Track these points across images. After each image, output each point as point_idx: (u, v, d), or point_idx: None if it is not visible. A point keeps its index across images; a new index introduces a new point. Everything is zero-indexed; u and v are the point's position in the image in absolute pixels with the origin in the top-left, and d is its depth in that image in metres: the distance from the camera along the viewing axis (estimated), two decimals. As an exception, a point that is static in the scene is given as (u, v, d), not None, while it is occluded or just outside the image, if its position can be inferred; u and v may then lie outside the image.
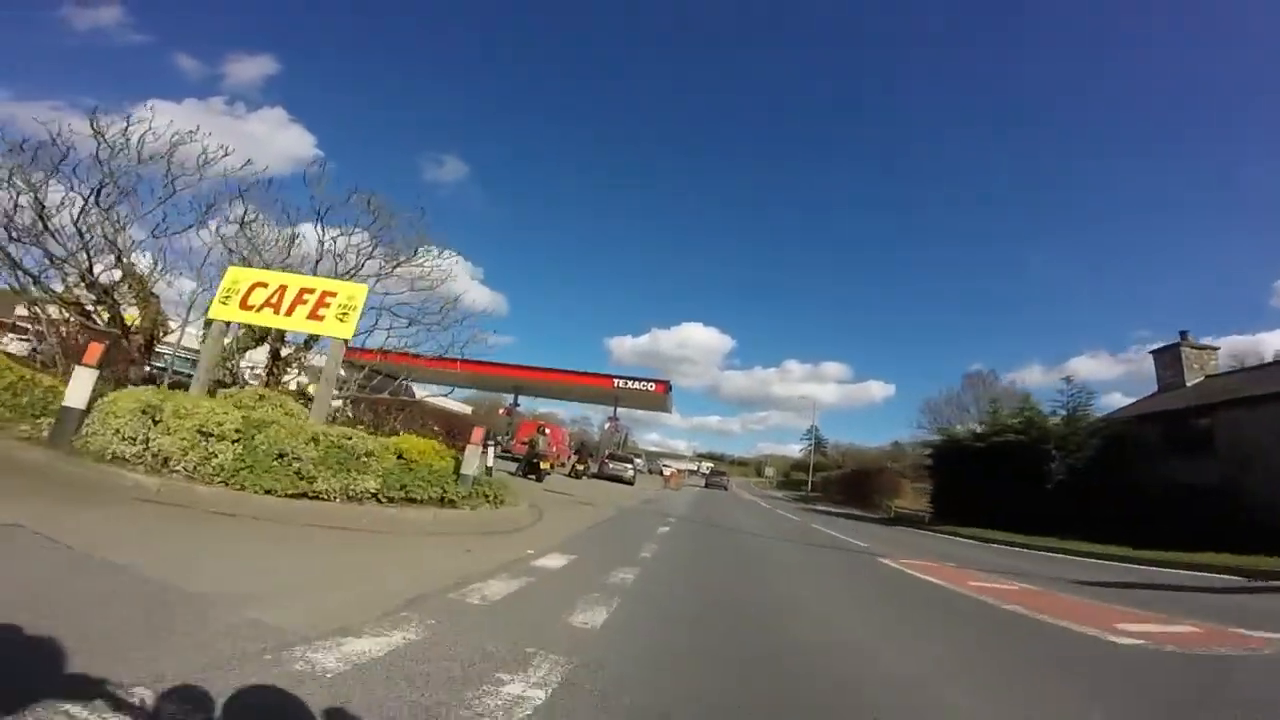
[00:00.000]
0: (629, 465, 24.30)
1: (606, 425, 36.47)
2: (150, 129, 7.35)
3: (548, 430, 17.14)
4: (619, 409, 38.16)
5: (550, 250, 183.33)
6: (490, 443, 10.75)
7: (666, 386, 33.47)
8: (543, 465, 14.43)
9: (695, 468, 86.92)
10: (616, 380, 34.15)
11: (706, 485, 48.43)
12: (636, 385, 33.43)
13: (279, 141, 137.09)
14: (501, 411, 41.62)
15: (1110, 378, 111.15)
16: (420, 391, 45.05)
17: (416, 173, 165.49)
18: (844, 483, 43.55)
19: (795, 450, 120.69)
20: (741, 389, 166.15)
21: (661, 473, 59.44)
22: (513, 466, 15.97)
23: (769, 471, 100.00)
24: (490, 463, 10.15)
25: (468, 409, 61.13)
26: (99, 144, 7.24)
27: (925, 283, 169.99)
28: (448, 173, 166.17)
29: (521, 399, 40.67)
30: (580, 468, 20.57)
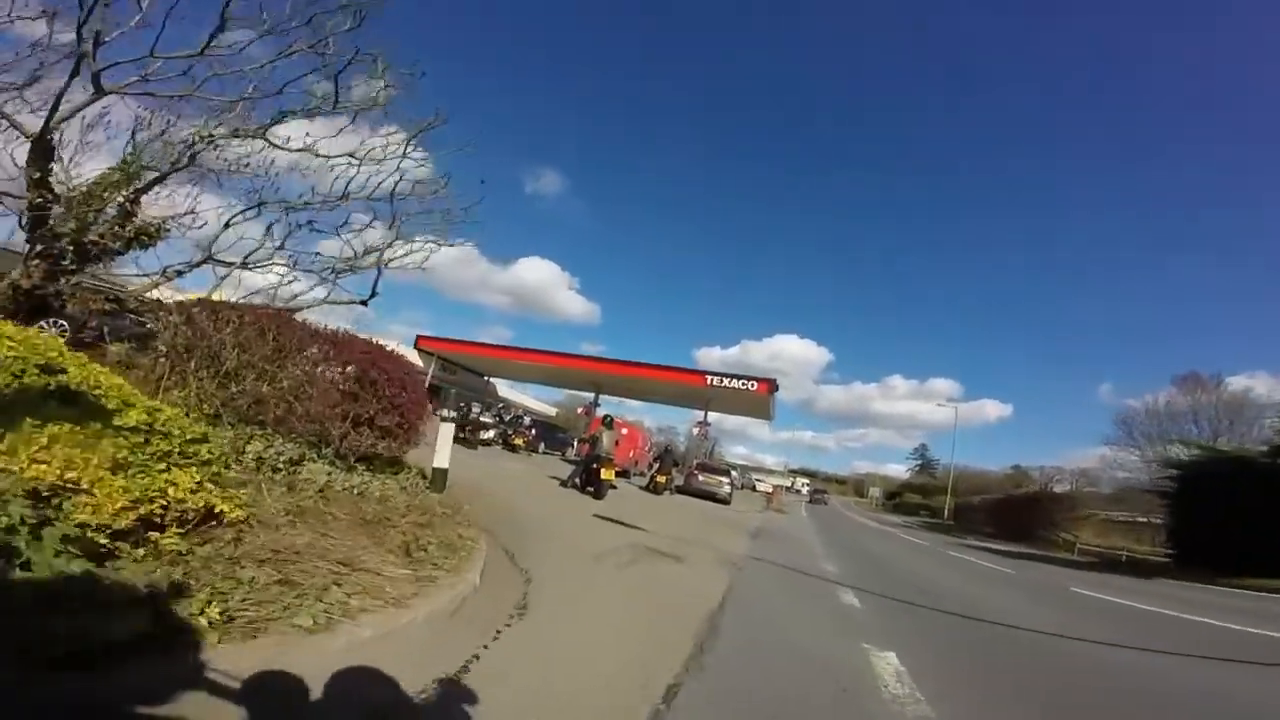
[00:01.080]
0: (724, 479, 19.36)
1: (695, 430, 31.65)
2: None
3: (619, 426, 12.39)
4: (710, 413, 33.23)
5: (644, 261, 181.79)
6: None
7: (771, 387, 28.10)
8: (604, 473, 9.97)
9: (789, 484, 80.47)
10: (711, 378, 29.27)
11: (811, 501, 45.06)
12: (735, 385, 28.33)
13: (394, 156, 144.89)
14: (580, 411, 38.11)
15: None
16: (505, 390, 42.35)
17: (519, 187, 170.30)
18: (993, 511, 35.70)
19: (897, 470, 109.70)
20: (838, 404, 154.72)
21: (754, 487, 53.94)
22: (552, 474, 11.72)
23: (874, 492, 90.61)
24: (444, 462, 5.95)
25: (552, 411, 59.00)
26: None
27: (1050, 297, 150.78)
28: (547, 185, 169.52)
29: (605, 401, 36.85)
30: (661, 480, 15.98)
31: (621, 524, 7.50)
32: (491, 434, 18.69)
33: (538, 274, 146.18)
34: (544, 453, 24.31)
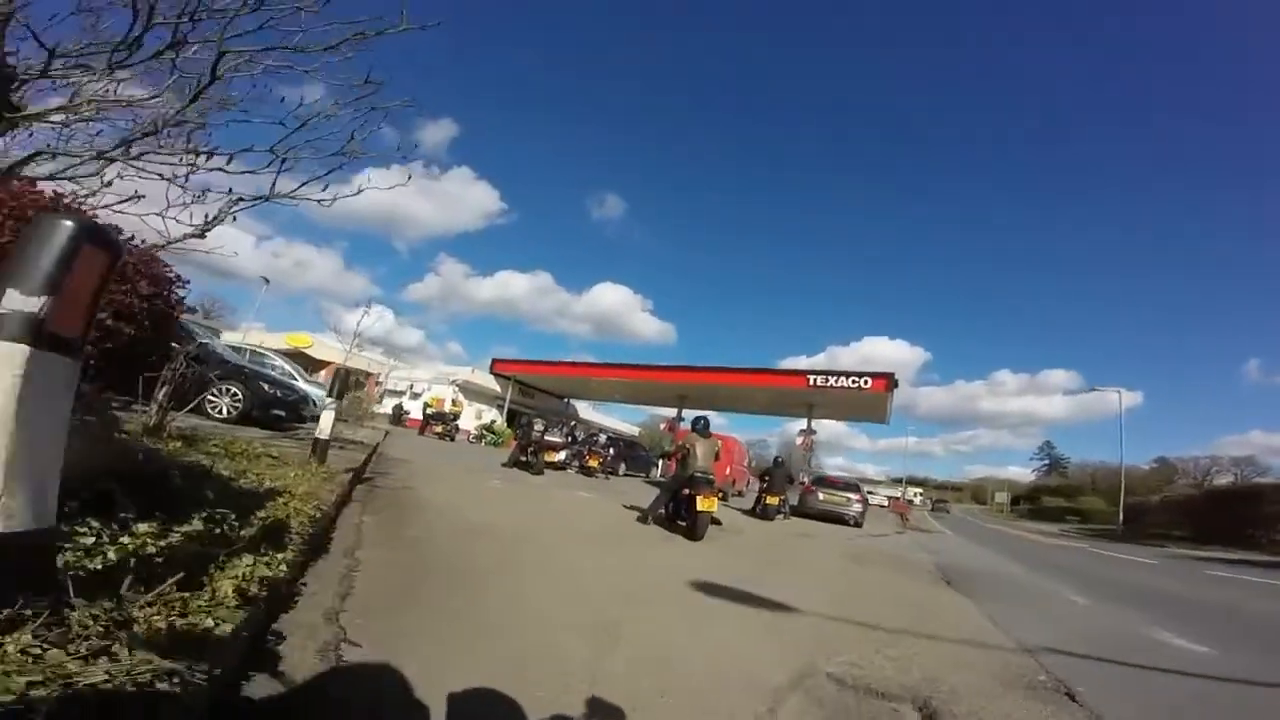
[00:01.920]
0: (852, 495, 15.31)
1: (799, 440, 27.49)
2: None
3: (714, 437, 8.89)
4: (813, 418, 28.95)
5: (713, 277, 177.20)
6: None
7: (889, 382, 23.65)
8: (703, 503, 6.65)
9: (899, 494, 72.89)
10: (814, 378, 25.22)
11: (933, 511, 39.26)
12: (843, 384, 24.15)
13: (471, 197, 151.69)
14: (664, 427, 34.85)
15: None
16: (586, 412, 39.89)
17: (585, 214, 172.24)
18: (1184, 510, 28.72)
19: (1016, 472, 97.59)
20: (940, 406, 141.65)
21: (865, 500, 48.03)
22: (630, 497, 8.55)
23: (1001, 497, 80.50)
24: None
25: (635, 431, 56.18)
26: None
27: (1177, 267, 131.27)
28: (610, 210, 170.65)
29: (690, 415, 33.51)
30: (773, 501, 12.34)
31: (749, 600, 4.11)
32: (562, 455, 15.81)
33: (611, 298, 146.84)
34: (625, 474, 21.20)
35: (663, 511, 7.52)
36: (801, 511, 14.88)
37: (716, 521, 7.55)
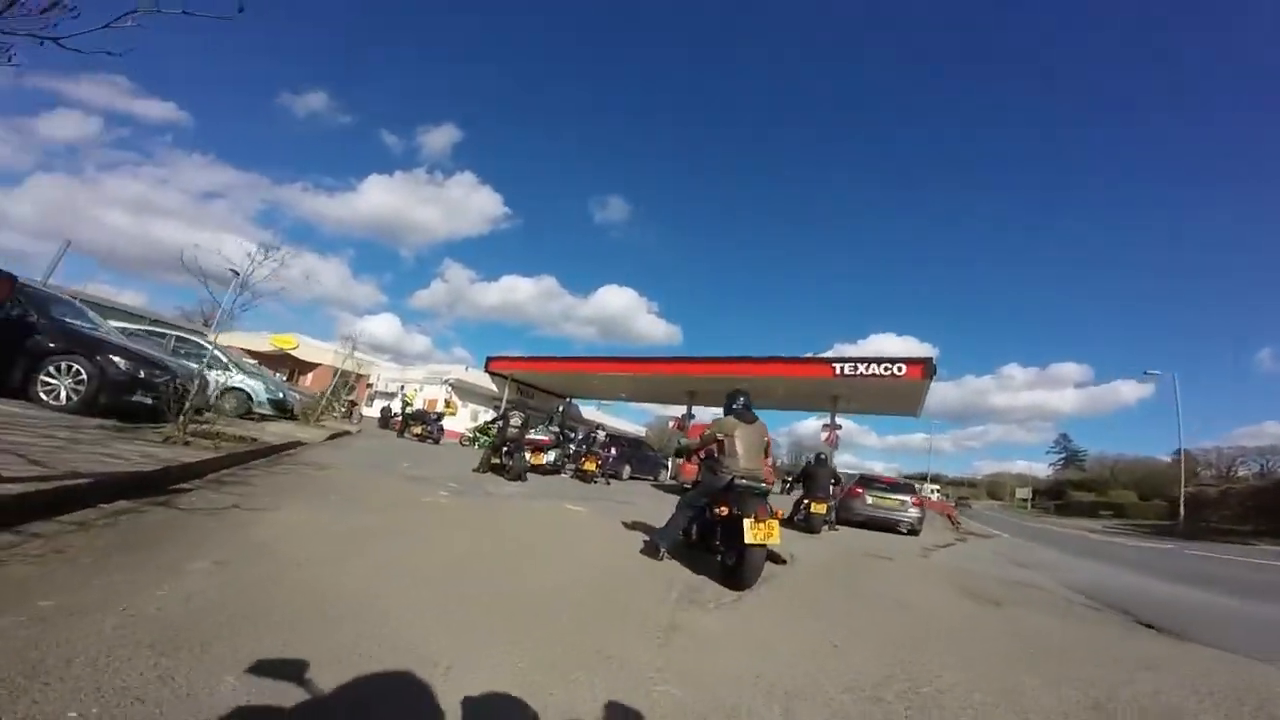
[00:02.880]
0: (905, 497, 12.54)
1: (824, 435, 24.70)
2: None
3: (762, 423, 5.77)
4: (838, 412, 26.18)
5: (721, 278, 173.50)
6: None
7: (926, 369, 20.85)
8: (754, 532, 3.94)
9: (923, 493, 69.73)
10: (839, 366, 22.46)
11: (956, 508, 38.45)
12: (873, 372, 21.39)
13: (474, 203, 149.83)
14: (672, 425, 32.13)
15: None
16: (591, 413, 37.22)
17: (588, 217, 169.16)
18: (1255, 502, 25.78)
19: (1025, 466, 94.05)
20: (949, 401, 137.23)
21: (922, 504, 45.08)
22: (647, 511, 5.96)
23: (1023, 492, 77.30)
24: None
25: (641, 430, 53.39)
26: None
27: (1186, 252, 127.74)
28: (614, 212, 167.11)
29: (700, 413, 30.76)
30: (819, 510, 9.63)
31: None
32: (551, 456, 13.14)
33: (617, 301, 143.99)
34: (631, 477, 18.52)
35: (681, 537, 4.85)
36: (844, 519, 12.15)
37: (777, 559, 4.86)
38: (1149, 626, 4.51)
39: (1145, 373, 35.62)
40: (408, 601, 2.69)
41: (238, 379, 11.95)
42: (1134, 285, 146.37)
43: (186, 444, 5.33)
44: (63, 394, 6.36)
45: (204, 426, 6.65)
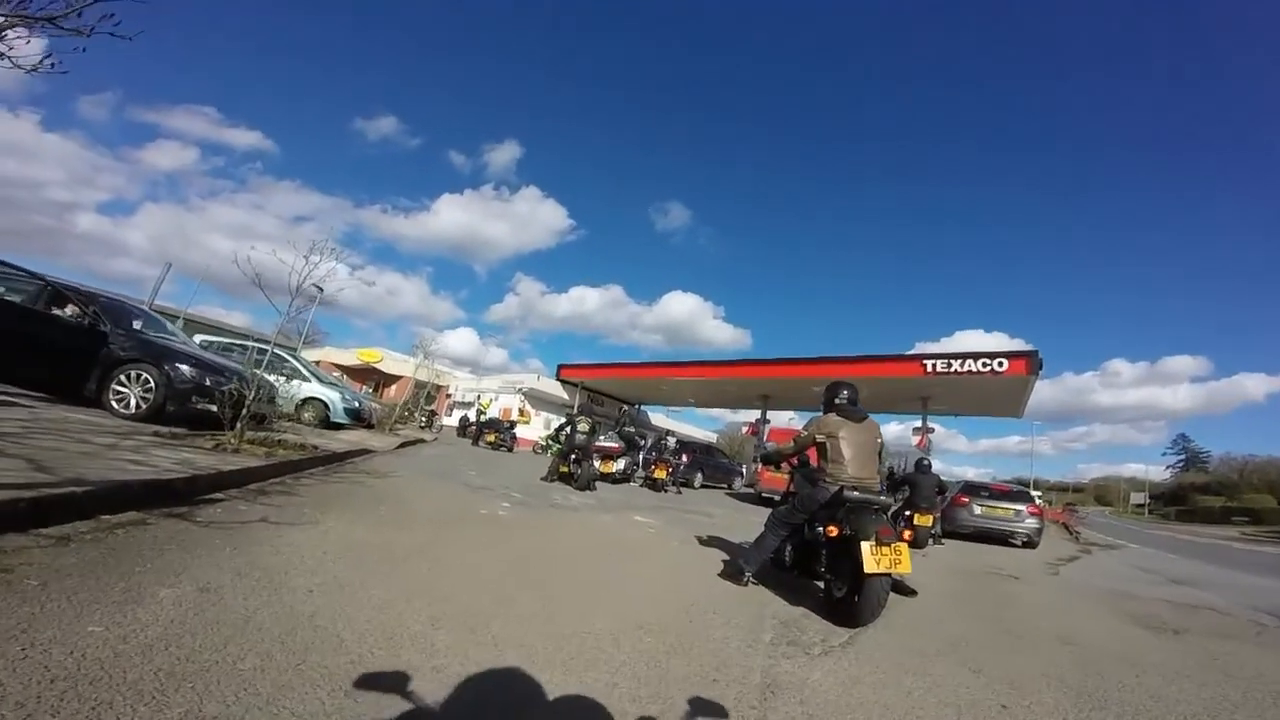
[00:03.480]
0: (1020, 507, 11.02)
1: (915, 440, 22.80)
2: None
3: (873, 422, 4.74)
4: (930, 413, 24.15)
5: (788, 280, 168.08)
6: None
7: (1031, 363, 18.74)
8: (875, 558, 3.12)
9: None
10: (931, 363, 20.62)
11: None
12: (970, 368, 19.46)
13: (541, 216, 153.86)
14: (746, 430, 30.80)
15: None
16: (662, 420, 36.69)
17: (650, 225, 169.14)
18: None
19: (1137, 469, 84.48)
20: (1046, 402, 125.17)
21: (1040, 513, 41.61)
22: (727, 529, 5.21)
23: (1137, 497, 69.80)
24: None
25: (712, 436, 52.10)
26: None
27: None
28: (674, 219, 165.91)
29: (775, 417, 29.39)
30: (924, 523, 8.47)
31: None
32: (621, 464, 12.53)
33: (682, 307, 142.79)
34: (703, 486, 17.64)
35: (770, 559, 4.03)
36: (949, 531, 10.78)
37: (905, 590, 4.01)
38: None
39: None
40: (426, 648, 2.08)
41: (315, 389, 12.16)
42: (1247, 268, 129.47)
43: (236, 451, 5.08)
44: (132, 402, 6.38)
45: (263, 434, 6.50)
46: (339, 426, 12.05)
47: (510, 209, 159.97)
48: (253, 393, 5.95)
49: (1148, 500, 67.73)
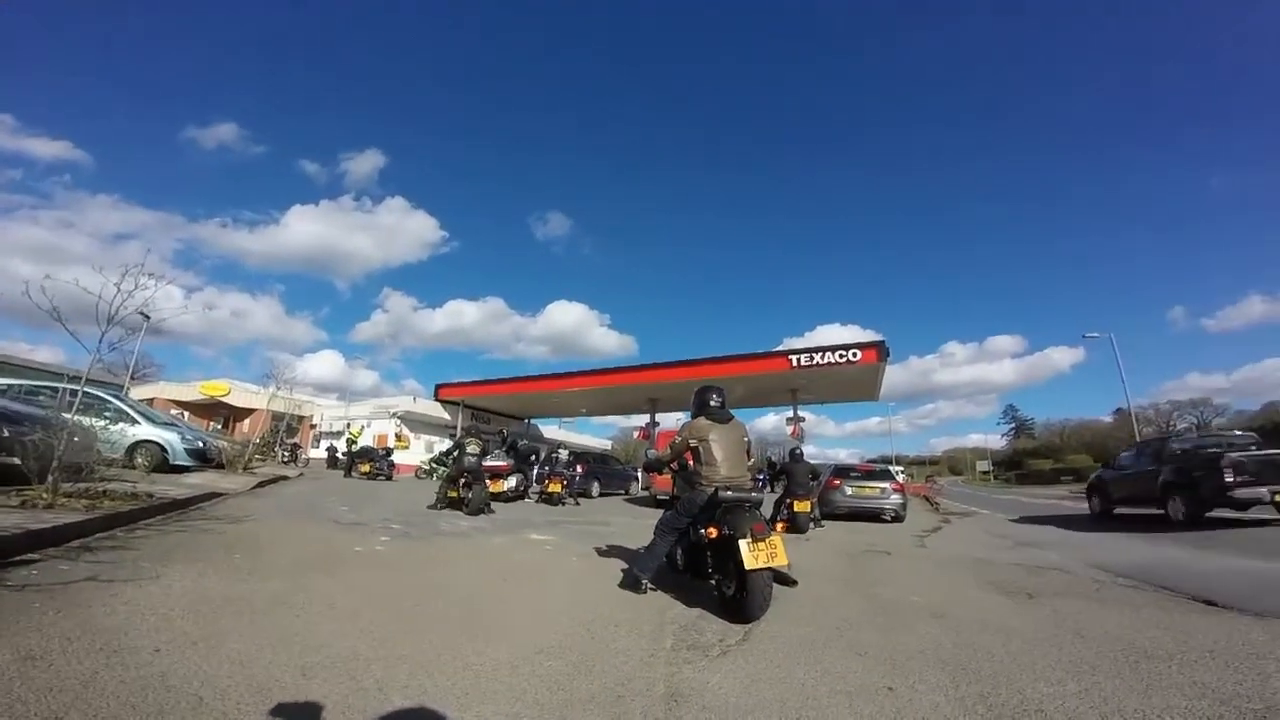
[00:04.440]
0: (884, 484, 12.20)
1: (789, 429, 24.53)
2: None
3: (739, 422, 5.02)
4: (799, 403, 26.10)
5: (667, 285, 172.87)
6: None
7: (880, 351, 20.94)
8: (753, 554, 3.34)
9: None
10: (795, 358, 22.34)
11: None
12: (829, 360, 21.33)
13: (409, 228, 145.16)
14: (638, 435, 31.36)
15: None
16: (553, 432, 36.09)
17: (530, 235, 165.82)
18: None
19: (981, 439, 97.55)
20: (898, 384, 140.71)
21: (904, 488, 45.81)
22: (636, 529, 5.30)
23: (982, 465, 79.12)
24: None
25: (606, 444, 52.38)
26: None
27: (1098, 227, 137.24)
28: (554, 228, 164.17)
29: (664, 419, 30.13)
30: (803, 508, 9.14)
31: None
32: (512, 482, 12.22)
33: (567, 317, 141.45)
34: (601, 495, 17.69)
35: (666, 561, 4.16)
36: (826, 513, 11.71)
37: (786, 580, 4.11)
38: (1209, 603, 4.07)
39: (1084, 336, 37.15)
40: (298, 699, 1.92)
41: (147, 431, 10.61)
42: (1051, 254, 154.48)
43: (50, 507, 4.32)
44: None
45: (85, 485, 5.57)
46: (182, 469, 10.60)
47: (374, 220, 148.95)
48: (63, 441, 5.08)
49: (991, 468, 76.97)
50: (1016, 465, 74.88)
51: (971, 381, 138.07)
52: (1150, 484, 10.25)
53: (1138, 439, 28.21)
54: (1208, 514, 9.23)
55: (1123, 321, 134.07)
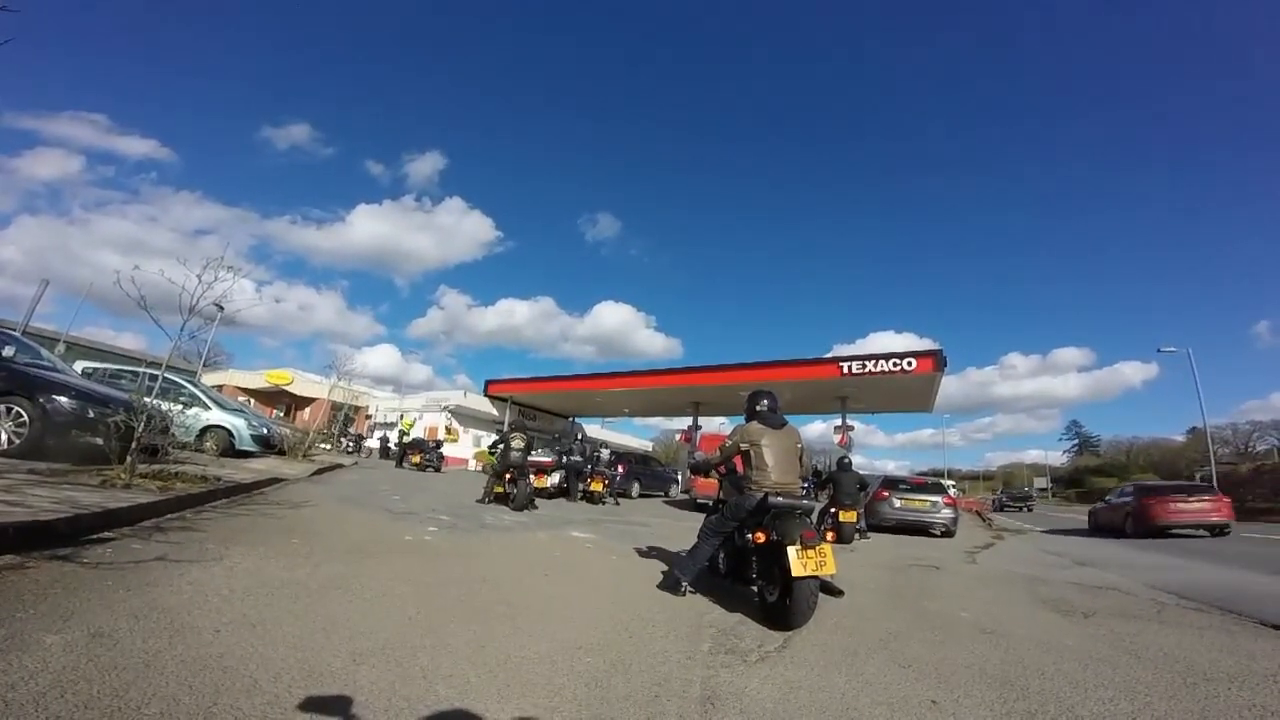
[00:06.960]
0: (935, 498, 11.76)
1: (837, 438, 23.92)
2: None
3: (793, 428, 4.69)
4: (849, 412, 25.42)
5: (716, 288, 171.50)
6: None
7: (937, 361, 20.18)
8: (801, 561, 3.23)
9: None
10: (847, 365, 21.76)
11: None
12: (882, 368, 20.69)
13: (465, 228, 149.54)
14: (680, 437, 31.22)
15: None
16: (597, 431, 36.42)
17: (580, 236, 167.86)
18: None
19: (1038, 455, 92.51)
20: (954, 395, 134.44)
21: (955, 503, 44.44)
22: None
23: (1040, 482, 75.26)
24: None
25: (648, 445, 52.44)
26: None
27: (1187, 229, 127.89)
28: (604, 230, 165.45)
29: (706, 423, 29.90)
30: (849, 519, 8.89)
31: None
32: (555, 479, 12.38)
33: (614, 318, 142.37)
34: (641, 495, 17.70)
35: (706, 566, 4.11)
36: (873, 525, 11.35)
37: (833, 591, 3.80)
38: (1278, 628, 3.76)
39: (1159, 350, 34.81)
40: (349, 686, 1.97)
41: (217, 416, 11.25)
42: (1125, 265, 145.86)
43: (127, 487, 4.62)
44: (3, 437, 5.69)
45: (158, 467, 5.94)
46: (246, 455, 11.19)
47: (433, 220, 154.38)
48: (142, 423, 5.43)
49: (1050, 485, 73.29)
50: (1077, 483, 70.94)
51: (1033, 395, 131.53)
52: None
53: (1213, 460, 26.14)
54: None
55: (1202, 336, 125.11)
